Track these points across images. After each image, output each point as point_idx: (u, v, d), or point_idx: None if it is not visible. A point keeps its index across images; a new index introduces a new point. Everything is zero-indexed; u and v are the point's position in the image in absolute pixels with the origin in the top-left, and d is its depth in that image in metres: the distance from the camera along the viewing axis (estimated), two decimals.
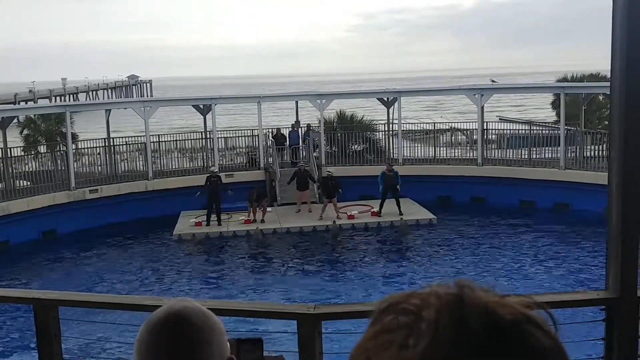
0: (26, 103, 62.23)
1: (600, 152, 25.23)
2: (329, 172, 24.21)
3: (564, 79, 33.69)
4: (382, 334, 0.66)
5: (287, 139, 28.51)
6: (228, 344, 1.52)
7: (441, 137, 29.80)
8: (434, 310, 0.65)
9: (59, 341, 3.53)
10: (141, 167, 26.93)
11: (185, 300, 1.53)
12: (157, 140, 28.03)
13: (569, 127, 26.72)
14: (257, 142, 28.10)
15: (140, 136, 27.48)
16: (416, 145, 29.32)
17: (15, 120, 28.75)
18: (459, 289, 0.67)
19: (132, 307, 3.63)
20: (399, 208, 23.25)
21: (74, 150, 25.95)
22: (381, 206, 23.39)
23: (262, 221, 23.12)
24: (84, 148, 27.56)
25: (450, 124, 32.27)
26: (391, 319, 0.67)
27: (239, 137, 29.59)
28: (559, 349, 0.65)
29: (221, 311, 3.26)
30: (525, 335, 0.63)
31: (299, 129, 29.01)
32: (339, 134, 28.82)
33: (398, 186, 23.35)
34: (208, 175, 23.78)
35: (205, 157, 27.89)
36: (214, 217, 23.20)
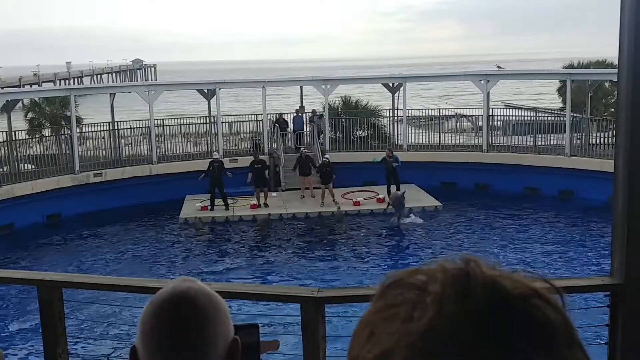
0: (31, 86, 62.26)
1: (606, 139, 25.15)
2: (326, 158, 24.24)
3: (571, 66, 33.52)
4: (386, 308, 0.66)
5: (291, 124, 28.50)
6: (232, 325, 1.52)
7: (446, 124, 29.73)
8: (439, 284, 0.64)
9: (63, 322, 3.54)
10: (145, 151, 26.95)
11: (190, 280, 1.53)
12: (162, 124, 28.04)
13: (575, 114, 26.63)
14: (261, 127, 28.09)
15: (145, 120, 27.48)
16: (421, 131, 29.25)
17: (19, 104, 28.79)
18: (466, 264, 0.67)
19: (135, 289, 3.64)
20: (402, 195, 23.27)
21: (78, 134, 25.97)
22: (389, 194, 23.42)
23: (266, 205, 23.21)
24: (89, 132, 27.59)
25: (455, 110, 32.15)
26: (396, 294, 0.67)
27: (243, 122, 29.59)
28: (567, 323, 0.64)
29: (225, 294, 3.26)
30: (531, 309, 0.62)
31: (304, 115, 28.98)
32: (343, 120, 28.75)
33: (395, 164, 23.28)
34: (210, 160, 23.84)
35: (209, 141, 27.90)
36: (218, 201, 23.26)
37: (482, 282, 0.64)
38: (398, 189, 23.31)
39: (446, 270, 0.66)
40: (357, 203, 23.46)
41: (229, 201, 23.59)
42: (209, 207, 23.29)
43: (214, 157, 24.18)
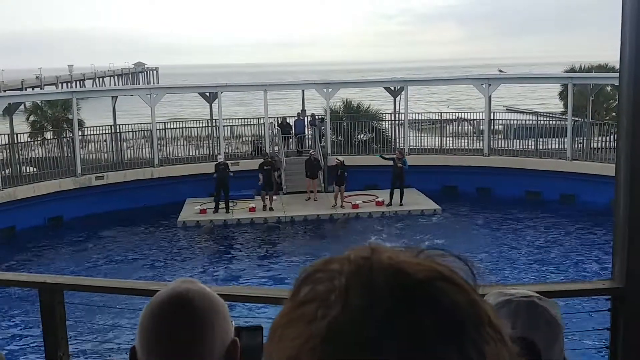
0: (33, 89, 62.34)
1: (607, 143, 25.15)
2: (339, 160, 24.27)
3: (572, 70, 33.54)
4: (296, 307, 0.63)
5: (293, 128, 28.52)
6: (232, 326, 1.53)
7: (448, 127, 29.75)
8: (344, 277, 0.62)
9: (64, 325, 3.54)
10: (147, 154, 26.97)
11: (189, 281, 1.54)
12: (163, 127, 28.05)
13: (577, 118, 26.63)
14: (263, 131, 28.11)
15: (147, 123, 27.51)
16: (423, 135, 29.27)
17: (21, 107, 28.83)
18: (371, 252, 0.64)
19: (137, 292, 3.64)
20: (401, 198, 23.37)
21: (80, 137, 26.00)
22: (391, 196, 23.48)
23: (271, 209, 23.25)
24: (90, 135, 27.61)
25: (457, 114, 32.16)
26: (308, 290, 0.64)
27: (245, 125, 29.61)
28: (473, 303, 0.62)
29: (225, 296, 3.25)
30: (435, 292, 0.60)
31: (305, 118, 28.99)
32: (345, 123, 28.77)
33: (400, 165, 23.23)
34: (216, 163, 23.88)
35: (211, 145, 27.93)
36: (221, 204, 23.27)
37: (385, 270, 0.62)
38: (402, 193, 23.36)
39: (351, 261, 0.64)
40: (355, 206, 23.49)
41: (229, 204, 23.59)
42: (214, 210, 23.30)
43: (219, 160, 24.23)
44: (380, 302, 0.59)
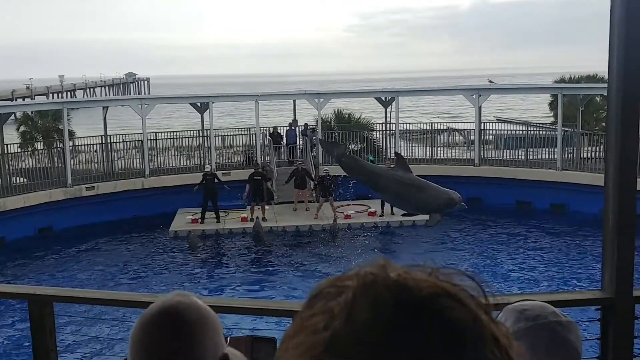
0: (23, 100, 62.17)
1: (597, 153, 25.27)
2: (326, 170, 24.24)
3: (562, 80, 33.74)
4: (306, 319, 0.65)
5: (284, 138, 28.53)
6: (224, 340, 1.53)
7: (438, 138, 29.82)
8: (351, 292, 0.64)
9: (54, 337, 3.52)
10: (138, 164, 26.90)
11: (182, 294, 1.54)
12: (154, 138, 28.00)
13: (566, 128, 26.77)
14: (254, 141, 28.09)
15: (138, 134, 27.44)
16: (413, 145, 29.31)
17: (12, 117, 28.71)
18: (380, 268, 0.66)
19: (127, 304, 3.63)
20: (392, 208, 23.35)
21: (70, 147, 25.92)
22: (382, 207, 23.46)
23: (264, 219, 23.18)
24: (81, 145, 27.53)
25: (447, 124, 32.26)
26: (320, 305, 0.65)
27: (236, 135, 29.59)
28: (477, 320, 0.62)
29: (219, 308, 3.24)
30: (439, 309, 0.61)
31: (297, 128, 29.01)
32: (336, 133, 28.80)
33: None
34: (203, 173, 23.87)
35: (202, 155, 27.89)
36: (209, 214, 23.24)
37: (391, 285, 0.63)
38: (392, 206, 23.27)
39: (359, 276, 0.66)
40: (348, 216, 23.46)
41: (221, 214, 23.55)
42: (200, 220, 23.25)
43: (206, 170, 24.24)
44: (385, 317, 0.61)
